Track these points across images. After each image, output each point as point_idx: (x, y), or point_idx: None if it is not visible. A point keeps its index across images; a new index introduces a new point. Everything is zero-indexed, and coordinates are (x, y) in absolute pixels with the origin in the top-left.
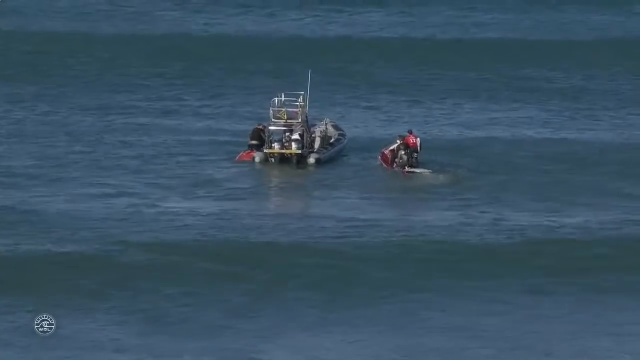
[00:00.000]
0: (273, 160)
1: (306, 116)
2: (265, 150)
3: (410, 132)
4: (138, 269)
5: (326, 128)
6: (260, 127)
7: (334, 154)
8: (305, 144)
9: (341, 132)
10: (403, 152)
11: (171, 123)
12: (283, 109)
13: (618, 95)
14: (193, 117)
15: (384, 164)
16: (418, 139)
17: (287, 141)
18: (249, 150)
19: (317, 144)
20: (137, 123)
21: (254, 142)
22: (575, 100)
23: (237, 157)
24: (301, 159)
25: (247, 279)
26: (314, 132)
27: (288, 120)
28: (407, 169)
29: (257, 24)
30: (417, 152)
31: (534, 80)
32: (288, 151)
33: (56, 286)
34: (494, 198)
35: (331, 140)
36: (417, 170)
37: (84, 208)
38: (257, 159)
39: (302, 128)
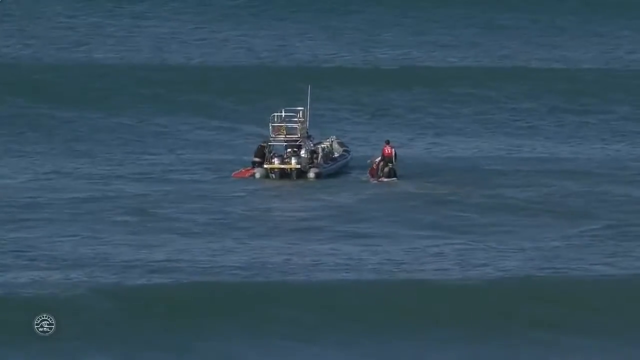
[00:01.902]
0: (273, 175)
1: (306, 131)
2: (265, 166)
3: (387, 143)
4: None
5: (331, 144)
6: (265, 144)
7: (335, 169)
8: (306, 158)
9: (346, 148)
10: (382, 164)
11: (168, 140)
12: (283, 125)
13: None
14: (190, 132)
15: (370, 177)
16: (393, 149)
17: (287, 157)
18: (250, 167)
19: (319, 159)
20: (134, 138)
21: (257, 159)
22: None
23: (235, 173)
24: (301, 174)
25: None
26: (317, 147)
27: (288, 136)
28: (381, 178)
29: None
30: (392, 162)
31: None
32: (288, 166)
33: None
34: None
35: (335, 156)
36: (386, 179)
37: (79, 222)
38: (257, 175)
39: (304, 143)
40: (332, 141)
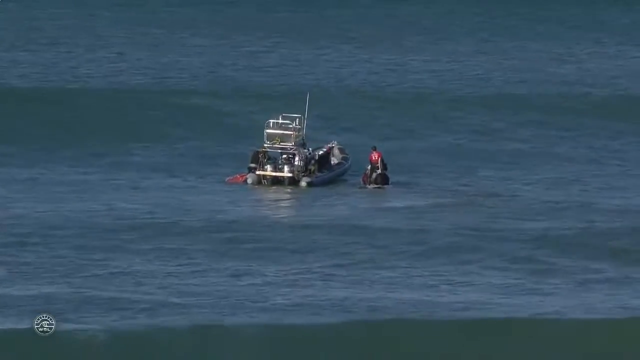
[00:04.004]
0: (266, 182)
1: (302, 139)
2: (257, 172)
3: (374, 149)
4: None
5: (332, 149)
6: (260, 150)
7: (329, 177)
8: (299, 167)
9: (345, 155)
10: (370, 169)
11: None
12: (277, 132)
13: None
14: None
15: (362, 184)
16: (380, 155)
17: (281, 164)
18: (245, 173)
19: (315, 166)
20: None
21: (252, 165)
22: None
23: (229, 179)
24: (294, 182)
25: None
26: (315, 154)
27: (282, 143)
28: (369, 185)
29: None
30: (378, 167)
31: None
32: (280, 174)
33: None
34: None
35: (334, 162)
36: (374, 186)
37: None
38: (250, 181)
39: (299, 151)
40: (332, 146)
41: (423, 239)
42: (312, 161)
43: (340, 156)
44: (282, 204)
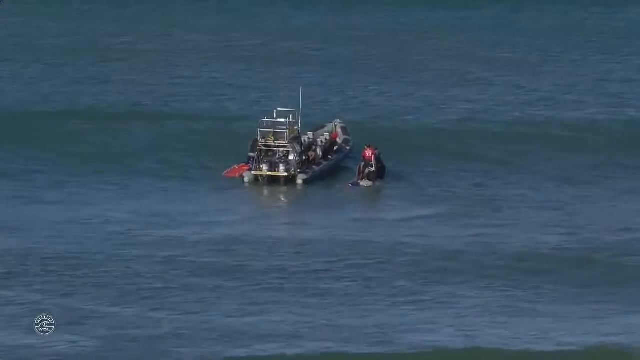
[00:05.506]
0: (262, 180)
1: (298, 132)
2: (253, 172)
3: (368, 146)
4: None
5: (334, 129)
6: (258, 142)
7: (328, 168)
8: (295, 163)
9: (347, 137)
10: (363, 166)
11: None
12: (271, 132)
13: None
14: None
15: (357, 178)
16: (374, 153)
17: (278, 158)
18: (245, 163)
19: (316, 153)
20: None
21: (252, 154)
22: None
23: (226, 172)
24: (290, 180)
25: None
26: (316, 140)
27: (276, 142)
28: (362, 181)
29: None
30: (372, 165)
31: None
32: (275, 174)
33: None
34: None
35: (335, 148)
36: (361, 183)
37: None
38: (246, 179)
39: (293, 148)
40: (335, 125)
41: (407, 252)
42: (313, 147)
43: (343, 137)
44: (274, 216)
